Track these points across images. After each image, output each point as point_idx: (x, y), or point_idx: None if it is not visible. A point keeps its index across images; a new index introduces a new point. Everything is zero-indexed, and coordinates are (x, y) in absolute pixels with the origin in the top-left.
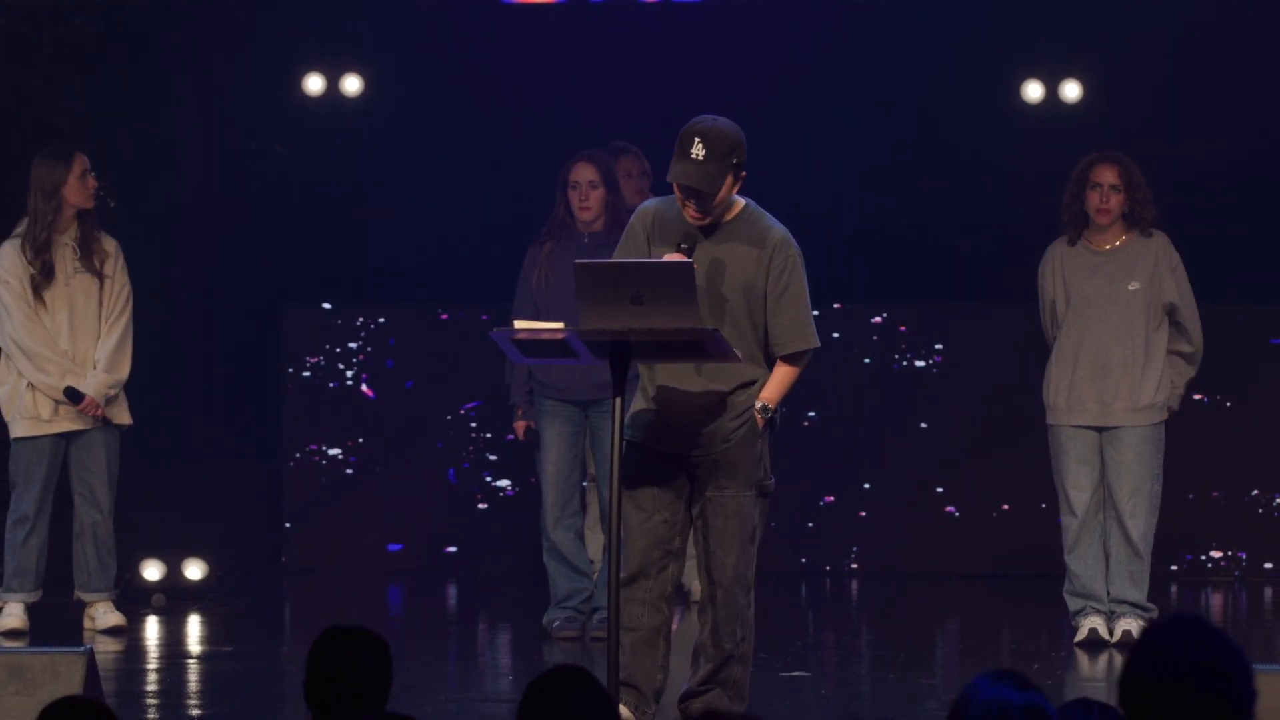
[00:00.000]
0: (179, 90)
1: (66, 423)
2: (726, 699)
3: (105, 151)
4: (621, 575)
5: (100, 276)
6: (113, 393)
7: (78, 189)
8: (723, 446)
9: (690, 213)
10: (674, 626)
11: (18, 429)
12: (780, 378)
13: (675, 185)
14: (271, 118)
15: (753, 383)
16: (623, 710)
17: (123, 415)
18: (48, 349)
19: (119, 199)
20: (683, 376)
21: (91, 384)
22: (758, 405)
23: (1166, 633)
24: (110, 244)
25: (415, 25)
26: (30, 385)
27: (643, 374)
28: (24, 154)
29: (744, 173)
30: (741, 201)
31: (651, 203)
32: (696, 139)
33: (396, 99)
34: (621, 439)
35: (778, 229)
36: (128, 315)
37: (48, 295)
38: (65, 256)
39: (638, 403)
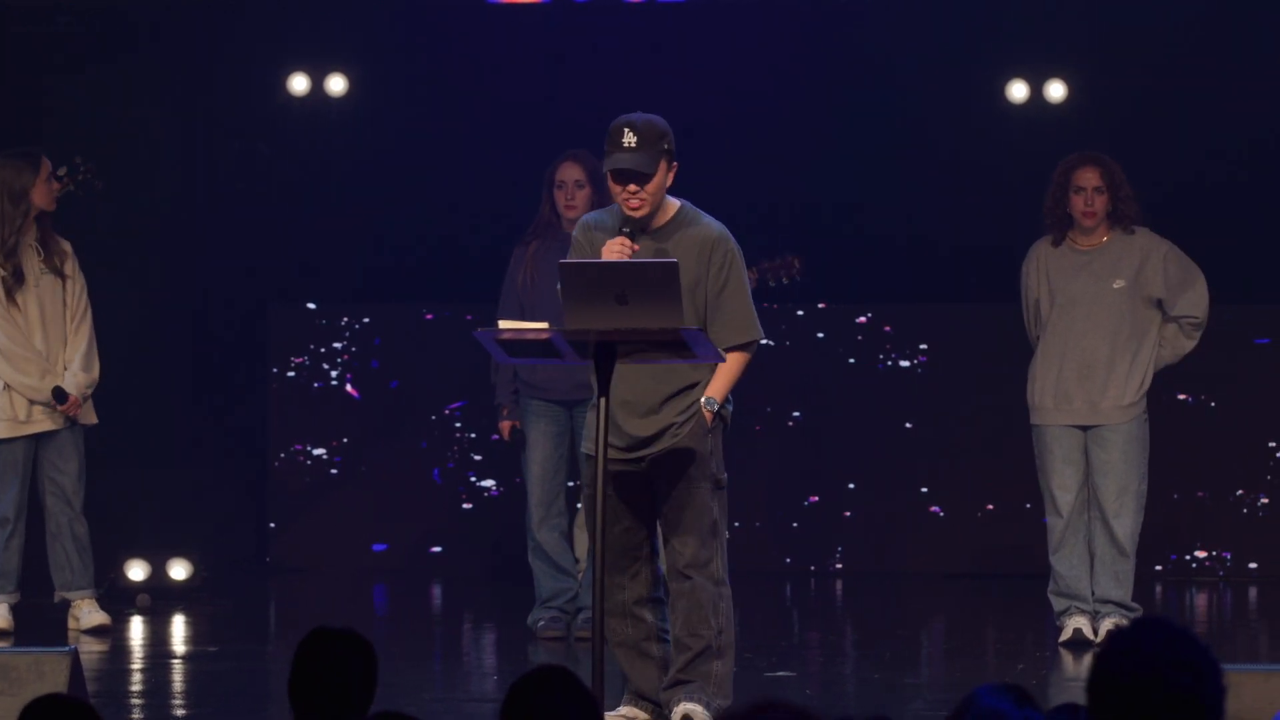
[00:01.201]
0: (164, 90)
1: (41, 423)
2: (708, 693)
3: (90, 151)
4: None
5: (63, 277)
6: (89, 392)
7: (44, 192)
8: (671, 442)
9: (630, 202)
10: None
11: None
12: (725, 372)
13: (610, 177)
14: (256, 118)
15: (696, 384)
16: (639, 714)
17: (90, 415)
18: (24, 350)
19: (104, 198)
20: (629, 381)
21: (73, 383)
22: (704, 401)
23: (1132, 634)
24: (67, 244)
25: (400, 25)
26: (5, 387)
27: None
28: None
29: (676, 163)
30: (677, 202)
31: (588, 215)
32: (625, 129)
33: (381, 99)
34: (605, 440)
35: (714, 225)
36: (90, 314)
37: (19, 297)
38: (31, 258)
39: (590, 413)
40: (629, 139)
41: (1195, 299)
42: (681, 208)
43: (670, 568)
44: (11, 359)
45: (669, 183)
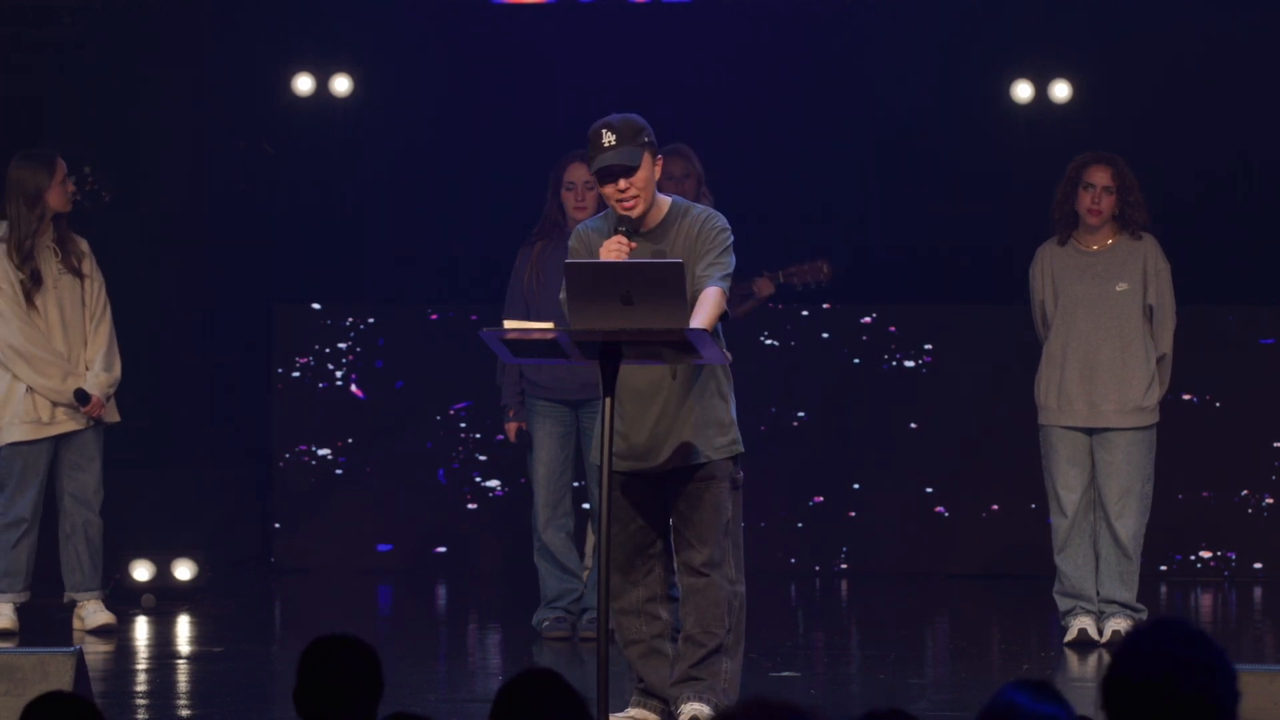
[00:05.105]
0: (168, 90)
1: (64, 424)
2: (716, 693)
3: (94, 152)
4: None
5: (81, 276)
6: (112, 391)
7: (59, 194)
8: (684, 460)
9: (623, 202)
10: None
11: (14, 433)
12: (709, 302)
13: (599, 181)
14: (261, 118)
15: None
16: (648, 715)
17: (113, 413)
18: (46, 352)
19: (109, 198)
20: (639, 388)
21: (94, 384)
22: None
23: (1149, 634)
24: (84, 243)
25: (405, 25)
26: (29, 389)
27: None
28: (10, 154)
29: (660, 157)
30: (668, 200)
31: (583, 223)
32: (604, 130)
33: (386, 99)
34: (610, 442)
35: (706, 208)
36: (110, 313)
37: (38, 299)
38: (48, 259)
39: (596, 422)
40: (608, 139)
41: (1168, 336)
42: (673, 204)
43: (684, 565)
44: (33, 362)
45: (656, 176)
